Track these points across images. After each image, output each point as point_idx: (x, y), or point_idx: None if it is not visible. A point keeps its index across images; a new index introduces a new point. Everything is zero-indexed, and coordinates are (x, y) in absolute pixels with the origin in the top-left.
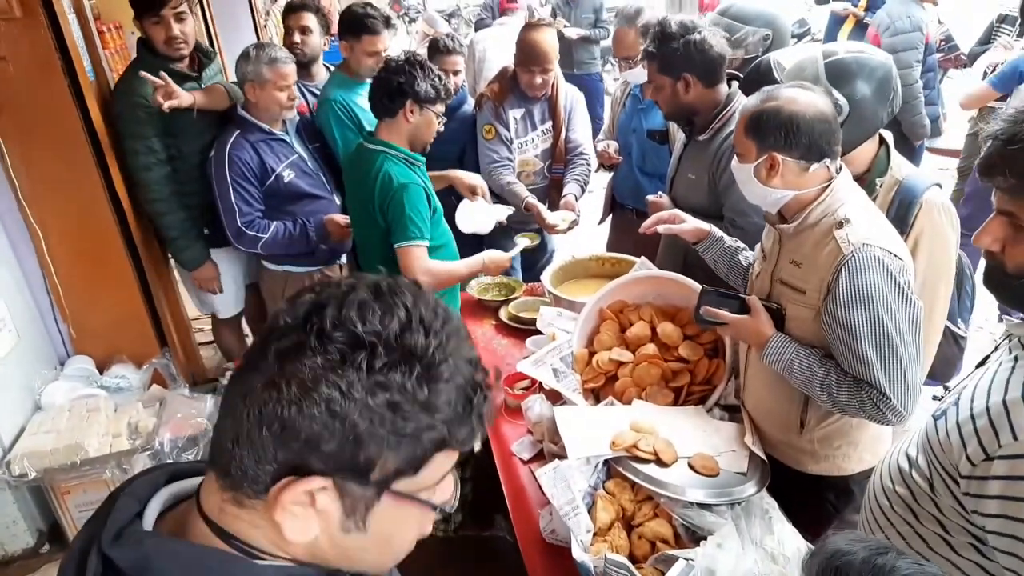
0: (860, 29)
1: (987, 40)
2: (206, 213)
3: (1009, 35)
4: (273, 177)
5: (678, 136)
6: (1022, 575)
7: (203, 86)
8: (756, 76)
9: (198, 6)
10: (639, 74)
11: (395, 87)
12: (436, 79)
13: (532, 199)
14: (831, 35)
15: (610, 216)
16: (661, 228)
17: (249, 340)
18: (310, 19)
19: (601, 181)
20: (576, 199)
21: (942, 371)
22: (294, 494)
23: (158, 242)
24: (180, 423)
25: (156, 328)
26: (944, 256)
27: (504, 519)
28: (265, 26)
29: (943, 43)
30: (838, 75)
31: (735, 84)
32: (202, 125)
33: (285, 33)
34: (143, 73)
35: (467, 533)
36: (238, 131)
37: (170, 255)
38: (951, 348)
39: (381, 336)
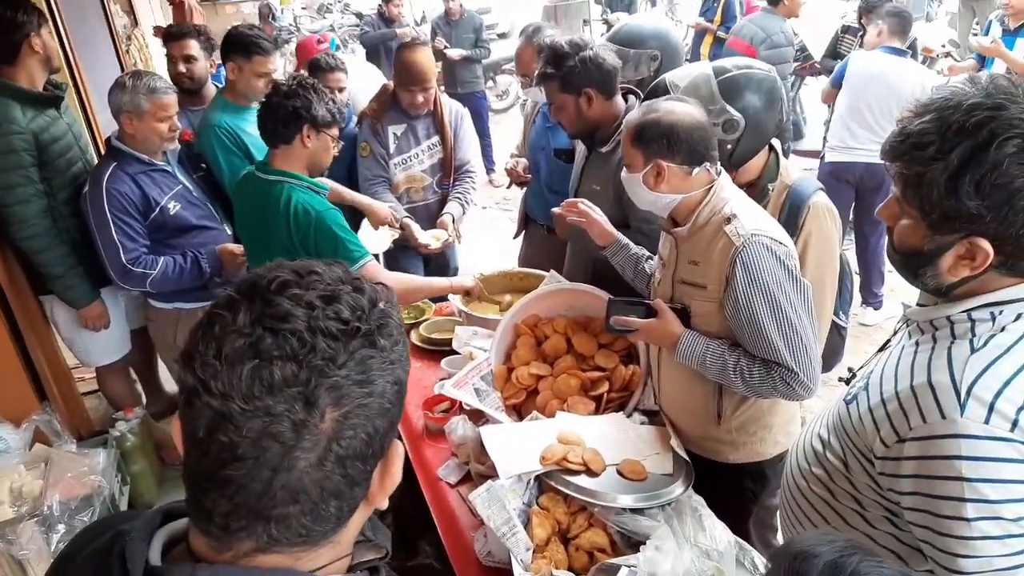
0: (720, 44)
1: (834, 50)
2: (83, 250)
3: (852, 45)
4: (158, 210)
5: (578, 148)
6: (935, 544)
7: (63, 117)
8: (654, 97)
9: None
10: (537, 93)
11: (291, 111)
12: (330, 102)
13: (406, 218)
14: (695, 50)
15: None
16: (571, 219)
17: (138, 387)
18: (193, 46)
19: (515, 196)
20: (454, 219)
21: (828, 359)
22: (393, 474)
23: (30, 285)
24: (71, 483)
25: (33, 381)
26: (830, 255)
27: (429, 546)
28: (127, 51)
29: (798, 52)
30: (731, 91)
31: (632, 98)
32: (69, 154)
33: (168, 62)
34: None
35: (392, 564)
36: (115, 163)
37: (51, 295)
38: (835, 338)
39: (366, 312)
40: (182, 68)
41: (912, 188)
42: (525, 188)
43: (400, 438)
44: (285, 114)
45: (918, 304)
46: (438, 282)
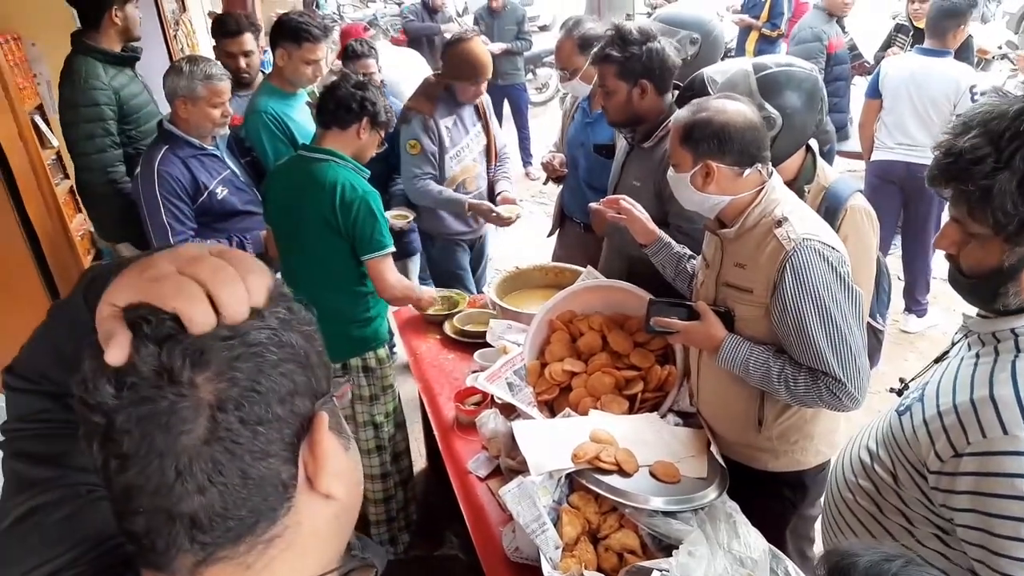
0: (765, 41)
1: (887, 47)
2: None
3: (904, 44)
4: (206, 194)
5: (619, 143)
6: (989, 564)
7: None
8: (691, 92)
9: None
10: (579, 86)
11: (358, 100)
12: (388, 107)
13: (473, 200)
14: (740, 46)
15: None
16: (611, 216)
17: None
18: (249, 40)
19: (552, 190)
20: (510, 192)
21: None
22: (321, 444)
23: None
24: None
25: None
26: (866, 258)
27: (455, 536)
28: (175, 36)
29: (848, 51)
30: (770, 88)
31: (677, 94)
32: (148, 108)
33: (226, 57)
34: None
35: (417, 554)
36: (166, 146)
37: (124, 243)
38: (871, 341)
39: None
40: (243, 64)
41: (979, 205)
42: (561, 184)
43: (430, 429)
44: (350, 102)
45: (979, 315)
46: (426, 296)
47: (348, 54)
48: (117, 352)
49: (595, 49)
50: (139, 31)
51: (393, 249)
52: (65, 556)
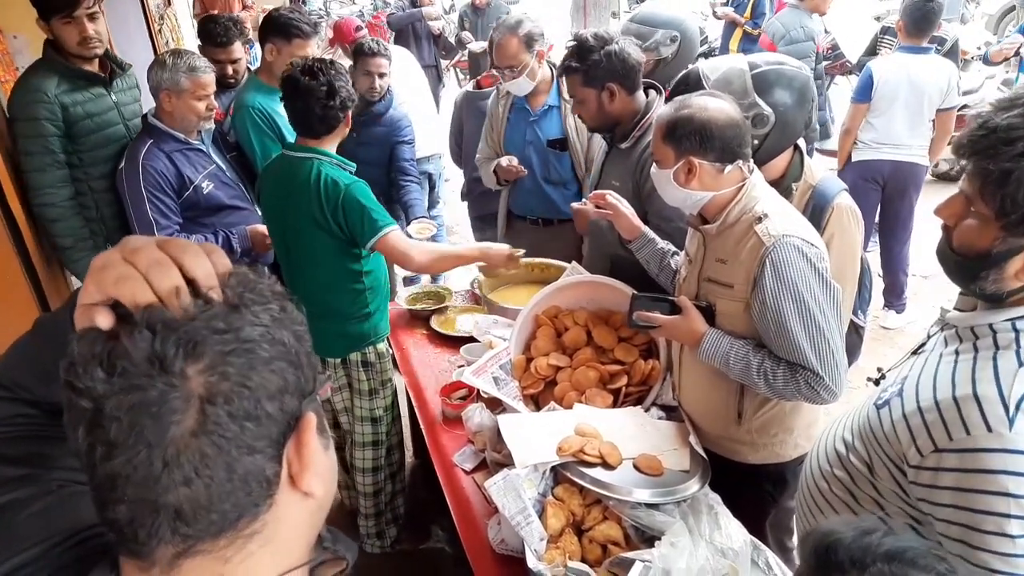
0: (748, 39)
1: (873, 50)
2: (109, 224)
3: (891, 46)
4: (191, 188)
5: (598, 144)
6: (970, 559)
7: (114, 95)
8: (685, 87)
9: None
10: (524, 83)
11: (339, 107)
12: (346, 79)
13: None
14: (724, 44)
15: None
16: (592, 213)
17: None
18: (238, 49)
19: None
20: None
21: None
22: (308, 445)
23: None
24: None
25: None
26: (851, 256)
27: (442, 530)
28: (160, 31)
29: (829, 51)
30: (762, 86)
31: (652, 92)
32: (108, 130)
33: (213, 62)
34: None
35: (404, 547)
36: (151, 140)
37: (64, 266)
38: (852, 337)
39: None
40: (229, 70)
41: (992, 185)
42: (509, 187)
43: (417, 423)
44: (332, 114)
45: (956, 309)
46: (468, 251)
47: (362, 52)
48: (103, 319)
49: (559, 63)
50: (90, 48)
51: (395, 227)
52: (32, 551)
